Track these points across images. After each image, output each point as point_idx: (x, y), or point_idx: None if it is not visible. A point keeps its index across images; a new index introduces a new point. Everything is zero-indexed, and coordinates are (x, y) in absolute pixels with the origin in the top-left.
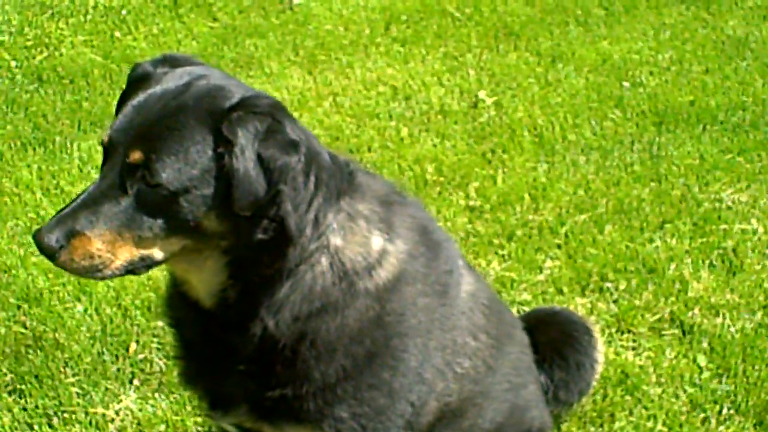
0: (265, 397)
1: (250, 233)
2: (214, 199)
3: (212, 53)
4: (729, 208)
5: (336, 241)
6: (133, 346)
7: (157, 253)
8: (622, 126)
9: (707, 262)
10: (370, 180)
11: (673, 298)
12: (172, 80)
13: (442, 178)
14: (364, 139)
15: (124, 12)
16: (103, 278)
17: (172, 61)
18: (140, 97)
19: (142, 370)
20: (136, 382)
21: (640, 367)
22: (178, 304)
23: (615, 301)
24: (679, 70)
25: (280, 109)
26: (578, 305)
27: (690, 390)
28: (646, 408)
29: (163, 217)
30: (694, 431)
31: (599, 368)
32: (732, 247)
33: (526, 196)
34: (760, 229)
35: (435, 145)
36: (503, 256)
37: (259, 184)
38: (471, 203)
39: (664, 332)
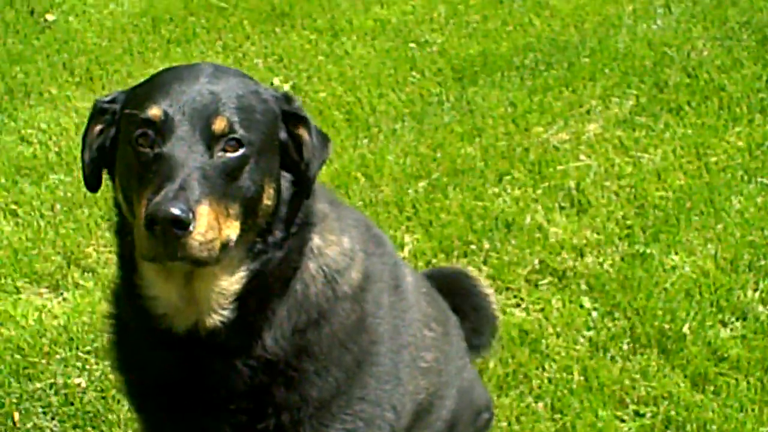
0: (257, 430)
1: (284, 215)
2: (278, 172)
3: None
4: (556, 148)
5: (316, 240)
6: (17, 416)
7: (234, 234)
8: (425, 87)
9: (556, 205)
10: None
11: (537, 248)
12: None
13: None
14: None
15: None
16: (217, 261)
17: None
18: (164, 78)
19: None
20: None
21: (534, 321)
22: (143, 343)
23: (484, 262)
24: (458, 23)
25: None
26: None
27: (587, 333)
28: (554, 361)
29: (244, 188)
30: (608, 373)
31: (493, 298)
32: (574, 187)
33: (359, 175)
34: (593, 163)
35: None
36: None
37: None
38: None
39: (540, 283)
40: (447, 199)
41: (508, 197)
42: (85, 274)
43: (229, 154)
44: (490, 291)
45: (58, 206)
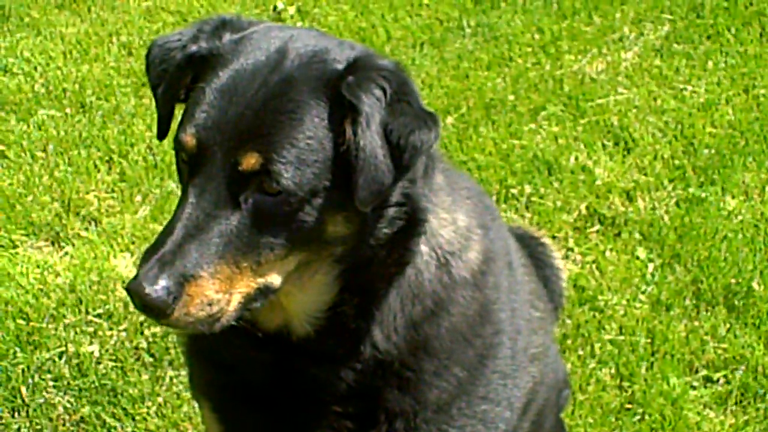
0: None
1: (375, 229)
2: (341, 197)
3: None
4: (593, 80)
5: (432, 220)
6: (24, 391)
7: (276, 278)
8: (442, 10)
9: (599, 144)
10: None
11: (584, 191)
12: (256, 49)
13: None
14: None
15: None
16: (219, 329)
17: (233, 26)
18: (223, 80)
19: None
20: None
21: (588, 276)
22: (232, 344)
23: (527, 208)
24: None
25: (403, 69)
26: None
27: (647, 288)
28: (614, 320)
29: (286, 230)
30: (674, 334)
31: (564, 275)
32: (617, 123)
33: None
34: (635, 96)
35: None
36: None
37: (386, 168)
38: None
39: (589, 231)
40: (480, 137)
41: (546, 135)
42: (87, 223)
43: (264, 197)
44: (562, 265)
45: (50, 146)
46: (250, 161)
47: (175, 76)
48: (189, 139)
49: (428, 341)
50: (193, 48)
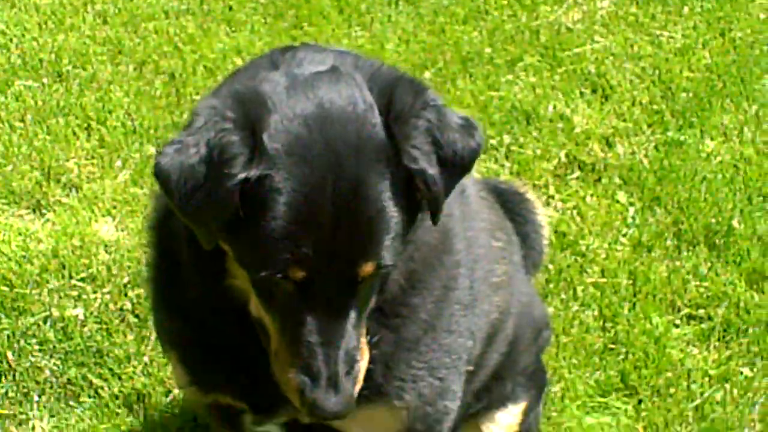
0: None
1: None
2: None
3: None
4: (569, 30)
5: None
6: (10, 356)
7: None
8: None
9: (577, 92)
10: None
11: (562, 139)
12: (306, 146)
13: None
14: (151, 46)
15: None
16: None
17: (258, 118)
18: (298, 194)
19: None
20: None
21: (569, 221)
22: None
23: (507, 158)
24: None
25: (426, 87)
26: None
27: (628, 231)
28: (596, 264)
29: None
30: (656, 275)
31: (546, 231)
32: (594, 71)
33: None
34: (611, 44)
35: (231, 34)
36: None
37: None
38: None
39: (569, 177)
40: (458, 91)
41: (524, 85)
42: (68, 190)
43: (372, 281)
44: (545, 222)
45: (29, 116)
46: (367, 270)
47: (225, 203)
48: (298, 273)
49: (411, 275)
50: (242, 175)
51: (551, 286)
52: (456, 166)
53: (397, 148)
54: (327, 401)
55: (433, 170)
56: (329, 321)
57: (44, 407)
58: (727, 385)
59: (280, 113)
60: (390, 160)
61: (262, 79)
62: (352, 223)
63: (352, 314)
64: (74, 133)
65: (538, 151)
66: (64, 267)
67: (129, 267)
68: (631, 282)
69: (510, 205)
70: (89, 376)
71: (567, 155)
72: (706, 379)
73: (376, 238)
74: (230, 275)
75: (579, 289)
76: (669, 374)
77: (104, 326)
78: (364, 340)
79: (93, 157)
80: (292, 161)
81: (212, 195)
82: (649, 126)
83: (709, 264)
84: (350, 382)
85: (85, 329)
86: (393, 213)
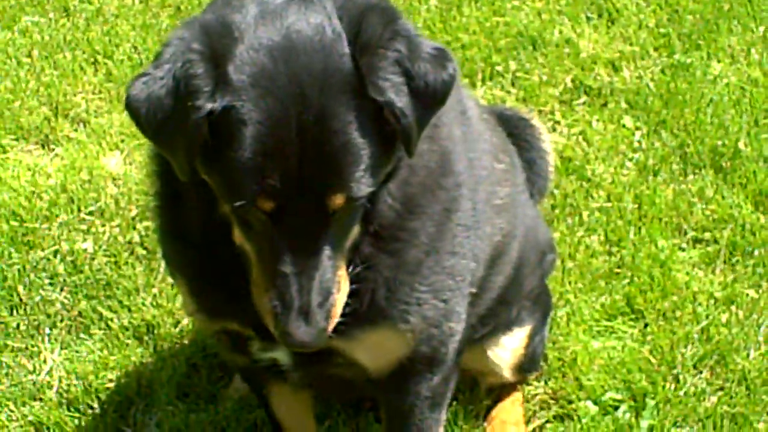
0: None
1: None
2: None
3: None
4: None
5: None
6: (21, 290)
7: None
8: None
9: (583, 17)
10: None
11: (569, 64)
12: (272, 78)
13: None
14: None
15: None
16: None
17: (225, 49)
18: (264, 131)
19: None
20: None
21: (575, 146)
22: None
23: (513, 84)
24: None
25: (394, 10)
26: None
27: (634, 155)
28: (602, 188)
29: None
30: (661, 198)
31: (551, 158)
32: None
33: None
34: None
35: None
36: None
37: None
38: None
39: (575, 102)
40: (463, 17)
41: (530, 10)
42: (76, 125)
43: (349, 210)
44: (550, 148)
45: (36, 52)
46: (337, 202)
47: (193, 134)
48: (266, 204)
49: (409, 200)
50: (207, 107)
51: (557, 211)
52: (428, 98)
53: (363, 79)
54: (297, 329)
55: (402, 102)
56: (303, 252)
57: (55, 340)
58: (733, 307)
59: (246, 44)
60: (357, 92)
61: (234, 8)
62: (318, 154)
63: (327, 246)
64: (81, 68)
65: (545, 77)
66: (72, 201)
67: (137, 200)
68: (636, 206)
69: (516, 131)
70: (99, 308)
71: (573, 80)
72: (712, 301)
73: (343, 170)
74: (220, 204)
75: (585, 213)
76: (674, 297)
77: (113, 259)
78: (342, 273)
79: (100, 92)
80: (256, 93)
81: (180, 127)
82: (656, 49)
83: (715, 186)
84: (323, 313)
85: (95, 262)
86: (361, 145)
